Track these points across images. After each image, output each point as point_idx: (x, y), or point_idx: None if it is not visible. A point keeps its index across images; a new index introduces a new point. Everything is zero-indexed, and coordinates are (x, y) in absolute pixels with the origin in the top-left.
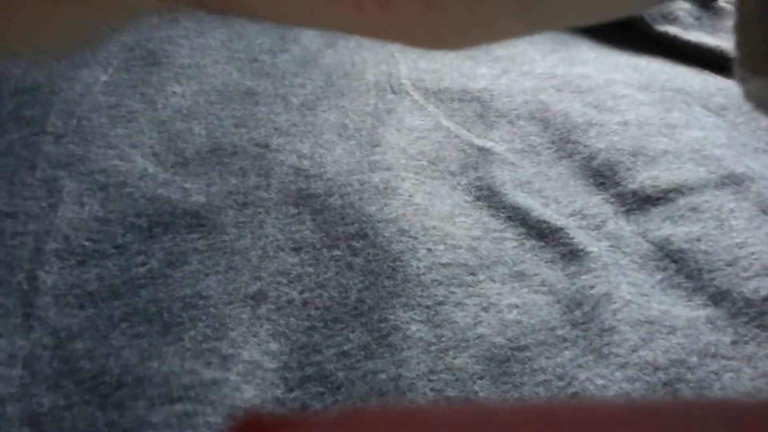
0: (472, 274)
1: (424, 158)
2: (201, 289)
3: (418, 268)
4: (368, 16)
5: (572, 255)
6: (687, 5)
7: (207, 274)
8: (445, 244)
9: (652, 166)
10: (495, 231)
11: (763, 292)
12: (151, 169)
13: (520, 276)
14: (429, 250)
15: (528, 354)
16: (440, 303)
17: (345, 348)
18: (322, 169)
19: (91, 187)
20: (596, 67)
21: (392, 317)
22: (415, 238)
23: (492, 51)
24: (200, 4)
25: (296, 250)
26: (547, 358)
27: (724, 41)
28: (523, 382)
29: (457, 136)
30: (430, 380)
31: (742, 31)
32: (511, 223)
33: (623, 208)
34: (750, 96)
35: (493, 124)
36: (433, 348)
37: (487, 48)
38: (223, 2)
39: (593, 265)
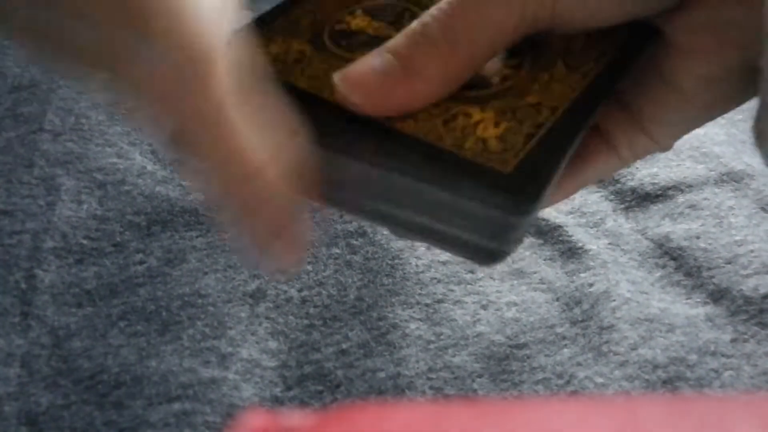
0: (471, 272)
1: None
2: (200, 287)
3: (416, 266)
4: None
5: (571, 253)
6: None
7: (206, 273)
8: None
9: (651, 164)
10: None
11: (762, 290)
12: (149, 167)
13: (519, 274)
14: (428, 248)
15: (527, 352)
16: (439, 301)
17: (344, 346)
18: None
19: (89, 185)
20: None
21: (391, 315)
22: None
23: None
24: None
25: None
26: (546, 356)
27: None
28: (522, 380)
29: None
30: (429, 378)
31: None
32: None
33: (622, 206)
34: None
35: None
36: (432, 346)
37: None
38: None
39: (592, 263)
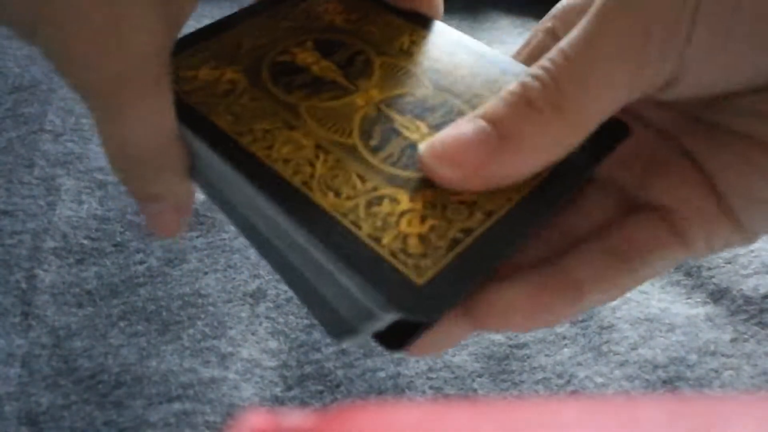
0: None
1: None
2: (200, 287)
3: None
4: None
5: None
6: None
7: (206, 273)
8: None
9: None
10: None
11: (762, 290)
12: None
13: None
14: None
15: (527, 352)
16: None
17: (344, 346)
18: None
19: (90, 185)
20: None
21: None
22: None
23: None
24: None
25: None
26: (546, 355)
27: None
28: (522, 379)
29: None
30: (429, 378)
31: None
32: None
33: None
34: None
35: None
36: None
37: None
38: None
39: None
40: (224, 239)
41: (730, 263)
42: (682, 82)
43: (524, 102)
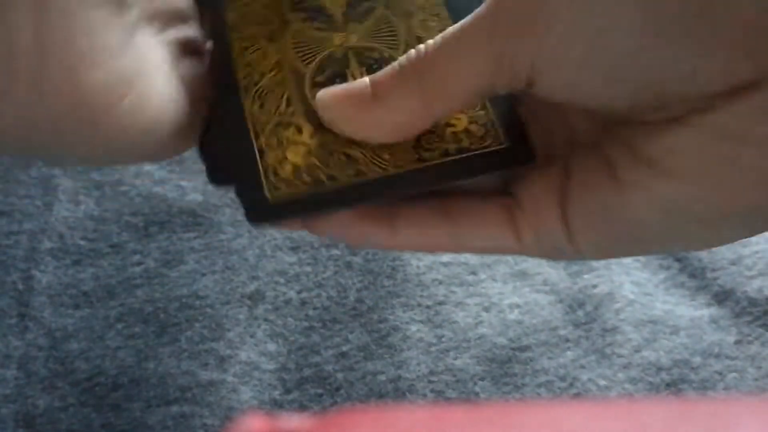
0: (473, 273)
1: None
2: (198, 288)
3: (417, 267)
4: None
5: None
6: None
7: (204, 274)
8: None
9: None
10: None
11: (766, 292)
12: (147, 167)
13: (522, 275)
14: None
15: (530, 354)
16: (440, 303)
17: (344, 349)
18: None
19: (87, 185)
20: None
21: (392, 317)
22: None
23: None
24: None
25: (294, 249)
26: (549, 358)
27: None
28: (525, 382)
29: None
30: (430, 381)
31: None
32: None
33: None
34: None
35: None
36: (433, 348)
37: None
38: None
39: (596, 264)
40: (222, 240)
41: (734, 264)
42: (539, 83)
43: (398, 69)
